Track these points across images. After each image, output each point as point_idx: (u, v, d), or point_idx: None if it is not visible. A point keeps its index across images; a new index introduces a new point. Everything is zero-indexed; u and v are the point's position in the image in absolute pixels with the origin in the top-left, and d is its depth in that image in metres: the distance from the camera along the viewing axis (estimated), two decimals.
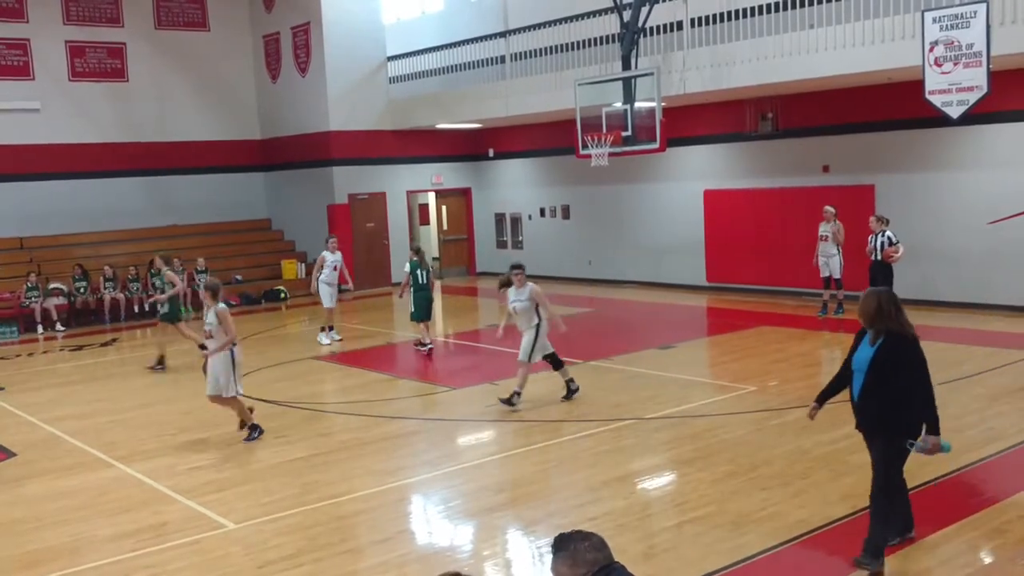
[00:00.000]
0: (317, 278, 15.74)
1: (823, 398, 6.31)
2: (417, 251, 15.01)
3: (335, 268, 15.71)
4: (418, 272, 14.64)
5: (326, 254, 15.77)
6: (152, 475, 8.83)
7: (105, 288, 19.99)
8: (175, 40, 23.34)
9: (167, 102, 23.21)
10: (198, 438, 10.17)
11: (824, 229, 15.36)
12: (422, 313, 14.71)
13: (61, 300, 19.59)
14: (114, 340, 17.71)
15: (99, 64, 22.39)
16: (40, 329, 18.86)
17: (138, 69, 22.81)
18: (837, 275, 15.37)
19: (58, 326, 19.06)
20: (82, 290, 19.90)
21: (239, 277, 22.51)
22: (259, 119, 24.82)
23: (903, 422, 5.83)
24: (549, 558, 3.11)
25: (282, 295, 22.19)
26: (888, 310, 5.80)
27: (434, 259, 26.82)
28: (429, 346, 14.62)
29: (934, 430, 5.81)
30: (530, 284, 10.55)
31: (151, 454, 9.59)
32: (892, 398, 5.78)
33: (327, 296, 15.68)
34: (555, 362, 10.85)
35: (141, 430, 10.59)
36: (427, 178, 24.33)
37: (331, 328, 15.96)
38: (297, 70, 23.30)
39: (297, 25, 23.09)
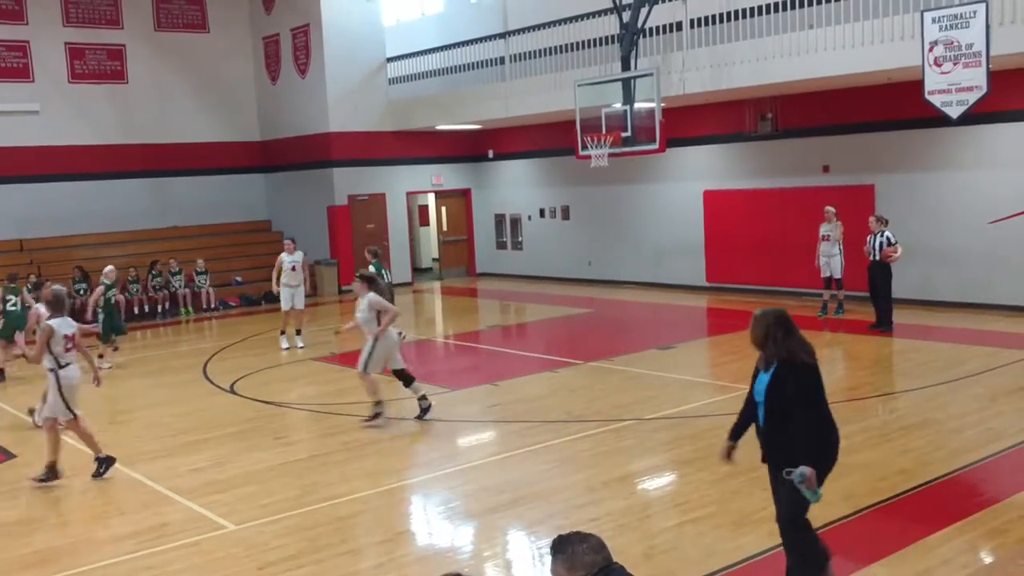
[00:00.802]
0: (278, 280, 15.40)
1: (735, 434, 5.83)
2: (375, 254, 14.99)
3: (293, 268, 15.38)
4: (383, 272, 14.74)
5: (283, 255, 15.42)
6: (152, 476, 8.83)
7: None
8: (175, 42, 23.35)
9: (167, 104, 23.20)
10: (198, 439, 10.17)
11: (825, 229, 15.35)
12: None
13: None
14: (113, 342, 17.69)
15: (99, 66, 22.40)
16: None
17: (138, 71, 22.81)
18: (838, 275, 15.35)
19: None
20: (82, 292, 19.89)
21: (239, 279, 22.51)
22: (259, 120, 24.83)
23: (811, 452, 5.34)
24: (549, 559, 3.11)
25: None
26: (776, 335, 5.38)
27: (434, 260, 26.88)
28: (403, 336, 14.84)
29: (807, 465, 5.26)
30: (370, 295, 10.24)
31: (151, 455, 9.59)
32: (794, 428, 5.32)
33: (286, 298, 15.29)
34: (404, 378, 10.50)
35: (141, 432, 10.60)
36: (427, 179, 24.33)
37: (297, 332, 15.53)
38: (297, 71, 23.31)
39: (297, 27, 23.09)
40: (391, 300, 14.61)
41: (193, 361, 14.87)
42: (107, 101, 22.47)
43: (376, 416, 10.26)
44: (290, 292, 15.36)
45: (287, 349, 15.27)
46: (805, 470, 5.20)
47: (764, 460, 5.59)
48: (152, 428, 10.70)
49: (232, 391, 12.57)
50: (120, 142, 22.53)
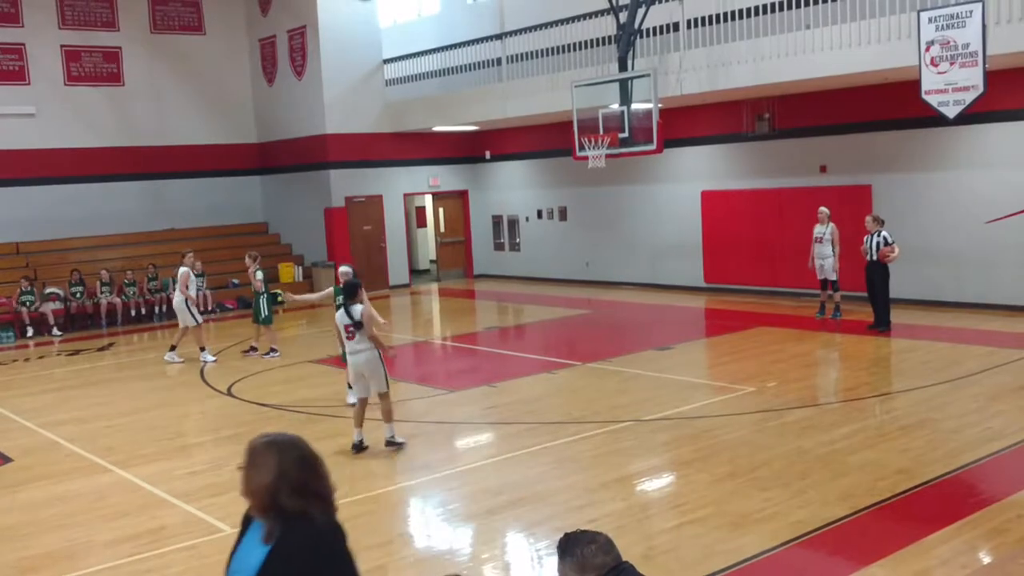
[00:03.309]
0: (187, 298, 14.85)
1: None
2: (255, 258, 14.91)
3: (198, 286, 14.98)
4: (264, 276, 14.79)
5: (190, 271, 15.07)
6: (150, 480, 8.81)
7: (101, 293, 19.95)
8: (171, 44, 23.32)
9: (163, 106, 23.17)
10: (196, 442, 10.16)
11: (819, 231, 15.27)
12: (271, 316, 14.93)
13: (57, 305, 19.54)
14: (111, 345, 17.69)
15: (95, 68, 22.36)
16: (36, 333, 18.81)
17: (134, 73, 22.78)
18: (833, 277, 15.24)
19: (55, 331, 19.01)
20: (78, 295, 19.86)
21: (236, 281, 22.44)
22: (256, 122, 24.80)
23: None
24: (548, 560, 3.09)
25: (279, 298, 22.08)
26: (293, 477, 3.09)
27: (431, 261, 26.85)
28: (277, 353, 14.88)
29: None
30: None
31: (148, 458, 9.56)
32: None
33: (198, 314, 14.98)
34: None
35: (138, 434, 10.57)
36: (424, 180, 24.31)
37: (203, 349, 14.93)
38: (293, 73, 23.29)
39: (293, 28, 23.07)
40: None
41: (190, 364, 14.83)
42: (103, 104, 22.43)
43: None
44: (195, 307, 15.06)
45: (179, 363, 14.72)
46: None
47: None
48: (150, 431, 10.67)
49: (230, 394, 12.55)
50: (116, 144, 22.49)
